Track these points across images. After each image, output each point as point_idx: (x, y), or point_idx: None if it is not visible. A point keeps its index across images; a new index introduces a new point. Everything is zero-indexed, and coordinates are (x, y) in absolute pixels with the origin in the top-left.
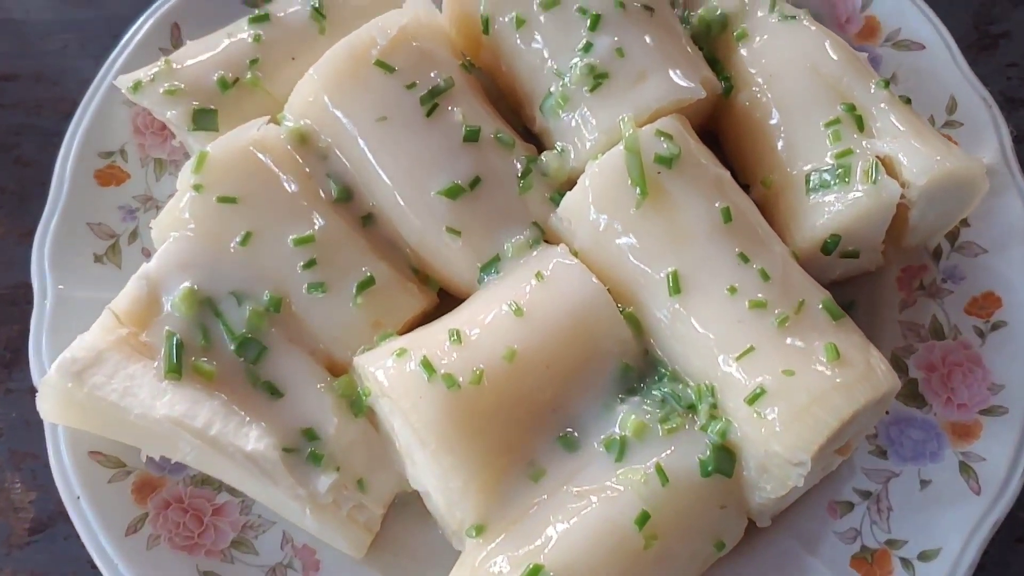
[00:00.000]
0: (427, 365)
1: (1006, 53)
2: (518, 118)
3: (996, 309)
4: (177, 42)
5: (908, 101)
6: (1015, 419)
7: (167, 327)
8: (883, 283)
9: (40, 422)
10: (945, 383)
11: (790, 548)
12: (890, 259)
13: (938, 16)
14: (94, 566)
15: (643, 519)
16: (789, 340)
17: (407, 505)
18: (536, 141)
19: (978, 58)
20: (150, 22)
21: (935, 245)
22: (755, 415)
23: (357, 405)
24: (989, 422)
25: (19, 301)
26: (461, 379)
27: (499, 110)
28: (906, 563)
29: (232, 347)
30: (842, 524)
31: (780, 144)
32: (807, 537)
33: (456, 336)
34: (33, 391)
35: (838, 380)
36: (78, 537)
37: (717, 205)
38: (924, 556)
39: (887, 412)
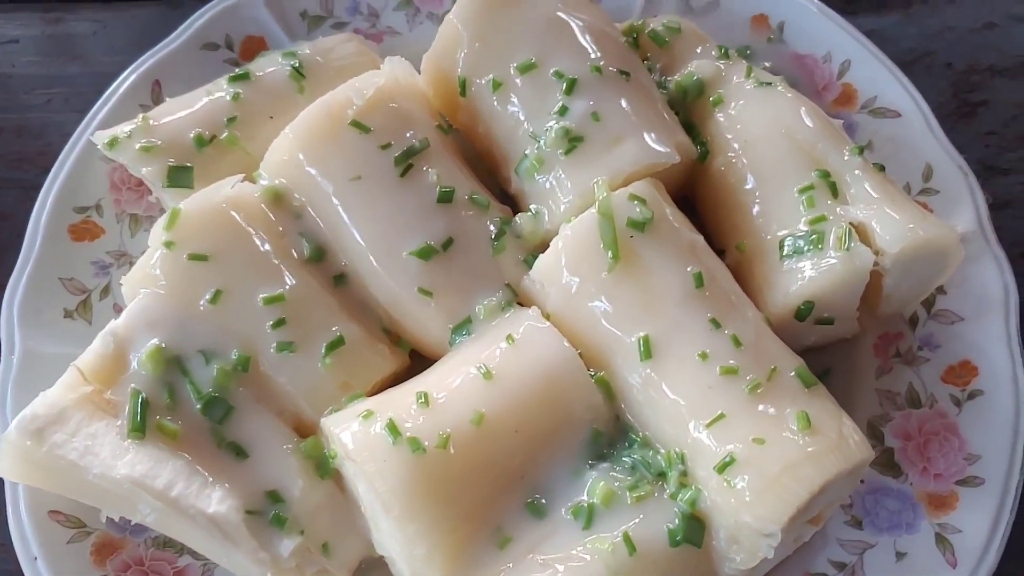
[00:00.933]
0: (393, 428)
1: (985, 121)
2: (495, 180)
3: (972, 378)
4: (158, 99)
5: (882, 168)
6: (992, 490)
7: (133, 385)
8: (860, 350)
9: (1, 480)
10: (921, 452)
11: None
12: (866, 326)
13: (919, 84)
14: None
15: None
16: (760, 407)
17: (373, 571)
18: (512, 203)
19: (957, 126)
20: (132, 79)
21: (911, 313)
22: (725, 484)
23: (323, 467)
24: (965, 493)
25: None
26: (427, 443)
27: (476, 171)
28: None
29: (198, 406)
30: None
31: (755, 209)
32: None
33: (424, 399)
34: None
35: (809, 449)
36: None
37: (689, 270)
38: None
39: (862, 481)
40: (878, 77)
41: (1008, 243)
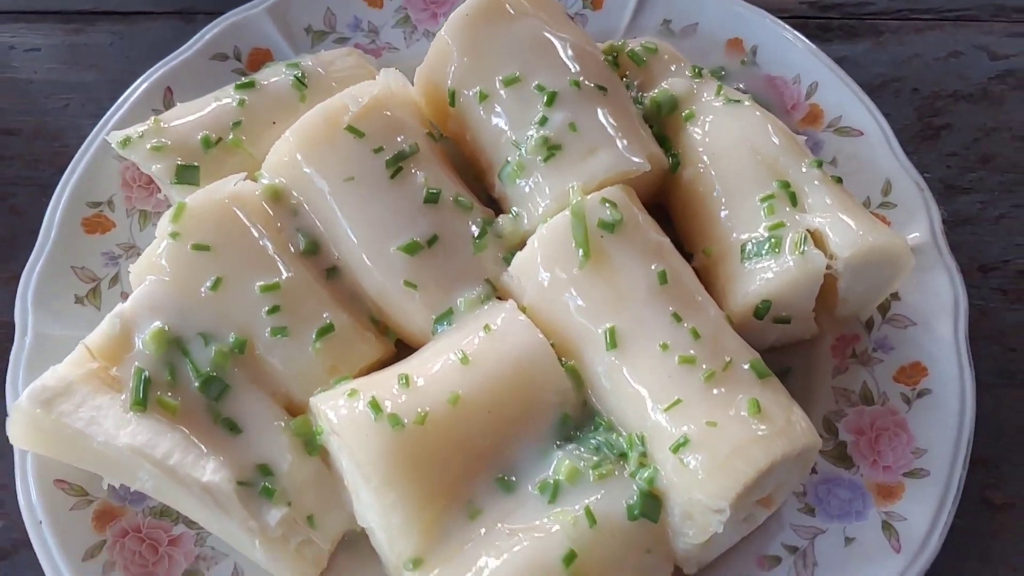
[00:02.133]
0: (375, 405)
1: (947, 143)
2: (481, 184)
3: (922, 378)
4: (169, 103)
5: (839, 180)
6: (936, 481)
7: (136, 363)
8: (818, 351)
9: (11, 454)
10: (872, 446)
11: None
12: (825, 328)
13: (887, 107)
14: None
15: (570, 558)
16: (715, 392)
17: (355, 543)
18: (497, 206)
19: (921, 147)
20: (145, 85)
21: (868, 316)
22: (679, 463)
23: (311, 444)
24: (911, 484)
25: (2, 340)
26: (406, 420)
27: (464, 176)
28: None
29: (196, 384)
30: None
31: (721, 216)
32: None
33: (405, 380)
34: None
35: (758, 433)
36: (40, 566)
37: (654, 268)
38: None
39: (816, 472)
40: (843, 99)
41: (966, 257)
